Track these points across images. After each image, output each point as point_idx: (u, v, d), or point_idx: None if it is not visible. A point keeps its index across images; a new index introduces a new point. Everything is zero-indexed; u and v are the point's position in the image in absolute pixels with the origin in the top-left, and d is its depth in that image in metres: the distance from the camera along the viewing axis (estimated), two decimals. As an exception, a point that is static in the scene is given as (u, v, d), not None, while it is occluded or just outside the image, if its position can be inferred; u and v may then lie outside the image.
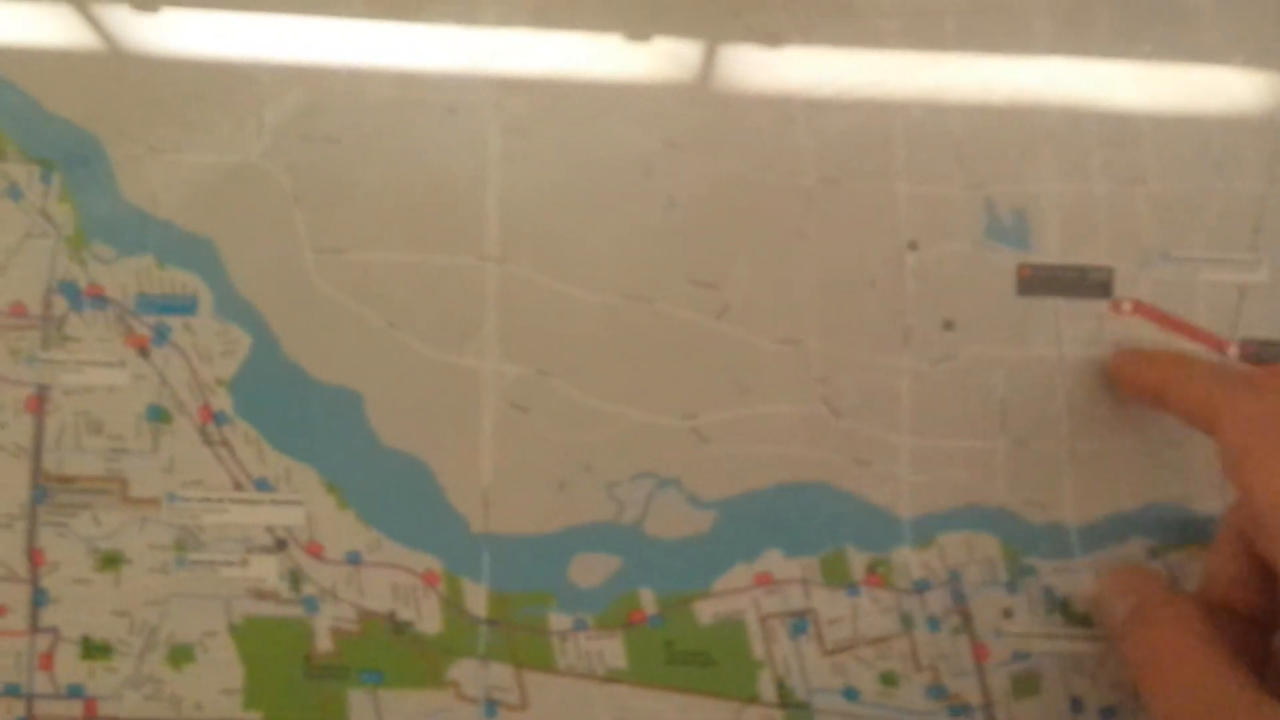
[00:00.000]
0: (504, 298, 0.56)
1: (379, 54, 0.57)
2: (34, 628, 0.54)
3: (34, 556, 0.54)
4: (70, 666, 0.53)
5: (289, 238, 0.56)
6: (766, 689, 0.55)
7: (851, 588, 0.56)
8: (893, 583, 0.56)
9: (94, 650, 0.54)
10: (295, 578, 0.54)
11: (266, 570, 0.54)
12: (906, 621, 0.56)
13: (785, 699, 0.55)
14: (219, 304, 0.56)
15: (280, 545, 0.54)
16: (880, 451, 0.56)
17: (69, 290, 0.55)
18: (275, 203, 0.56)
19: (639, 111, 0.57)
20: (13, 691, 0.53)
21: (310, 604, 0.54)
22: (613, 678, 0.55)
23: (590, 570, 0.55)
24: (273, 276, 0.56)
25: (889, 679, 0.56)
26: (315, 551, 0.54)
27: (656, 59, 0.58)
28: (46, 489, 0.54)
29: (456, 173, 0.57)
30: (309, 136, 0.57)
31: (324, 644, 0.54)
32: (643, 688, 0.55)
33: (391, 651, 0.54)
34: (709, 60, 0.58)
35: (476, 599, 0.55)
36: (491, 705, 0.54)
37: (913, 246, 0.57)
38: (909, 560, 0.56)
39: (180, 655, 0.54)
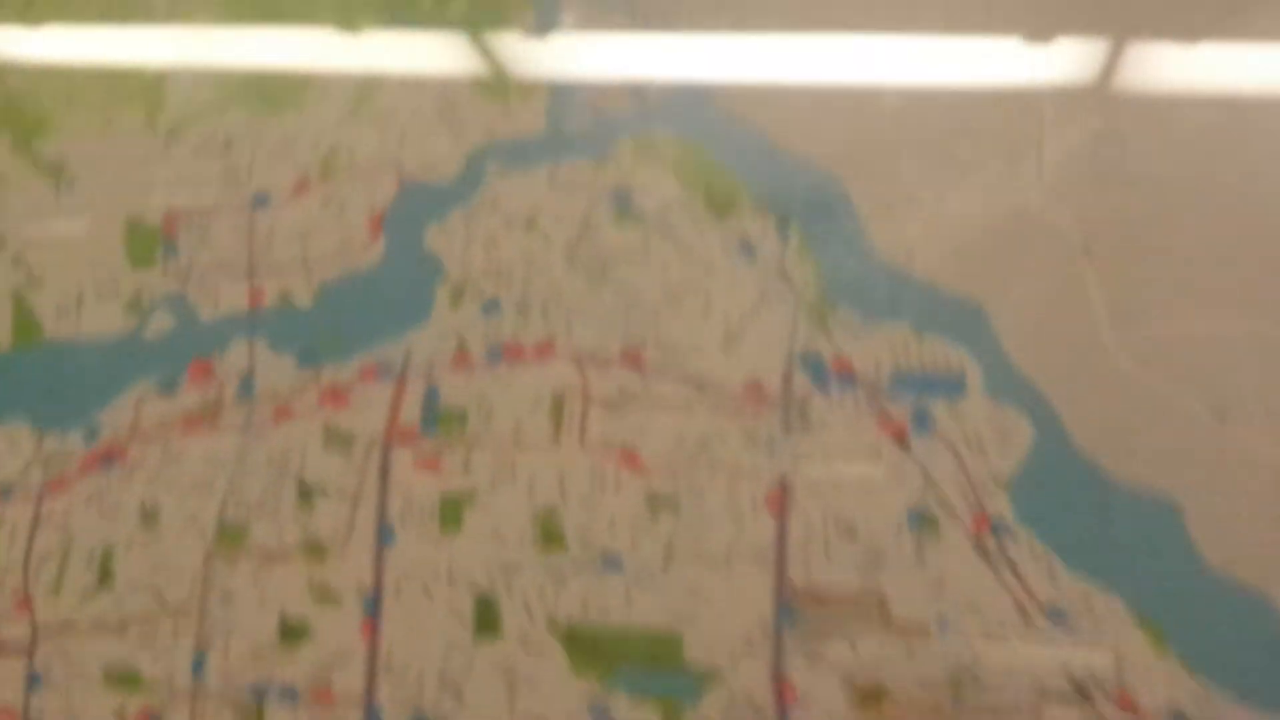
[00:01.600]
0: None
1: (1186, 71, 0.46)
2: (778, 772, 0.45)
3: (782, 690, 0.45)
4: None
5: (1078, 302, 0.45)
6: None
7: None
8: None
9: (851, 807, 0.44)
10: (1103, 736, 0.43)
11: (1067, 724, 0.43)
12: None
13: None
14: (991, 383, 0.45)
15: (1082, 694, 0.43)
16: None
17: (812, 364, 0.46)
18: (1060, 259, 0.45)
19: None
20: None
21: (1127, 772, 0.43)
22: None
23: None
24: (1059, 350, 0.45)
25: None
26: (1126, 705, 0.43)
27: None
28: (794, 610, 0.45)
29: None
30: (1103, 177, 0.46)
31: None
32: None
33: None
34: None
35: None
36: None
37: None
38: None
39: (958, 822, 0.43)
